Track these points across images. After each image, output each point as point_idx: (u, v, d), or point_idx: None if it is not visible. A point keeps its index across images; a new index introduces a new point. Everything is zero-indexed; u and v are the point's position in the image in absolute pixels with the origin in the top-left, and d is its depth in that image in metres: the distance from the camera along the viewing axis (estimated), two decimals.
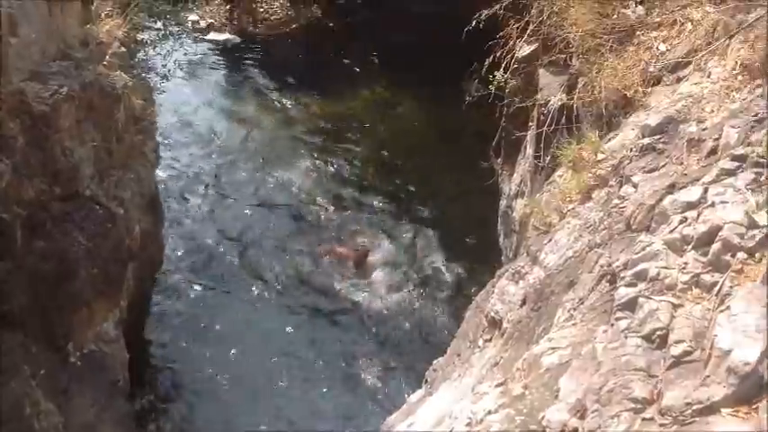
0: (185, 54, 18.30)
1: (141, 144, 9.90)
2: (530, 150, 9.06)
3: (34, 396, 7.06)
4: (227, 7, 20.19)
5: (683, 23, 6.20)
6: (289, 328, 12.23)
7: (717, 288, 2.73)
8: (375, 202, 14.96)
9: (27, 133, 7.61)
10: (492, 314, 5.32)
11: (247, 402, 11.05)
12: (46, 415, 7.15)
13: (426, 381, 7.38)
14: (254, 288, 12.84)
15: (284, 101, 17.78)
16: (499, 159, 10.95)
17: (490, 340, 5.32)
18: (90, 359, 8.00)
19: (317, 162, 15.94)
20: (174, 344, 11.85)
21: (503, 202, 10.71)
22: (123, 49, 9.94)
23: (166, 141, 14.58)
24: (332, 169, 15.82)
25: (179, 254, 13.20)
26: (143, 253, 10.05)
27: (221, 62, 19.05)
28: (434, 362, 7.63)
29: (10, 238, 7.25)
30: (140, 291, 10.54)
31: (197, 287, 12.74)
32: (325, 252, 13.26)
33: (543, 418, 2.80)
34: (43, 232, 7.62)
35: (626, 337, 2.78)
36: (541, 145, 8.14)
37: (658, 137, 4.36)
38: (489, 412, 3.41)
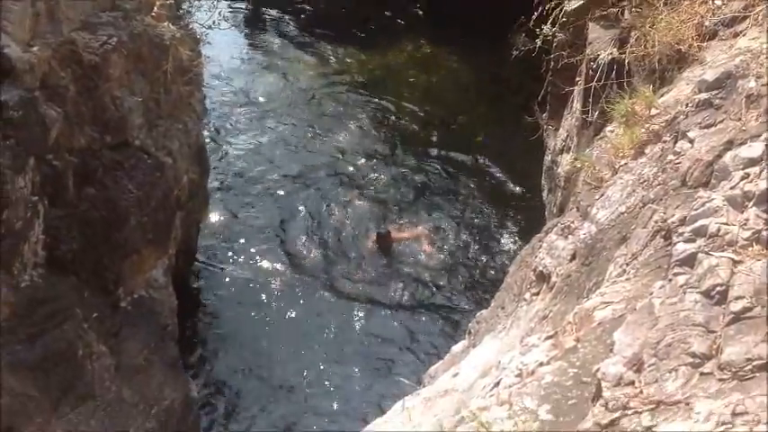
0: (230, 6, 18.29)
1: (188, 95, 9.98)
2: (577, 105, 8.96)
3: (87, 338, 7.26)
4: None
5: None
6: (328, 291, 12.35)
7: None
8: (417, 158, 14.94)
9: (78, 83, 7.72)
10: (540, 268, 5.33)
11: (286, 354, 11.25)
12: (98, 357, 7.36)
13: (469, 332, 7.43)
14: (294, 243, 12.95)
15: (327, 54, 17.74)
16: (544, 114, 10.85)
17: (538, 294, 5.34)
18: (140, 304, 8.19)
19: (359, 117, 15.93)
20: (218, 295, 12.08)
21: (547, 158, 10.63)
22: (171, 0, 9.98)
23: (210, 93, 14.66)
24: (373, 124, 15.80)
25: (221, 207, 13.36)
26: (190, 203, 10.20)
27: (265, 15, 19.03)
28: (478, 314, 7.68)
29: (62, 186, 7.40)
30: (187, 240, 10.71)
31: (238, 241, 12.90)
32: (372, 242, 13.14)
33: (598, 370, 2.82)
34: (94, 180, 7.76)
35: (684, 293, 2.78)
36: (589, 100, 8.05)
37: (716, 92, 4.29)
38: (541, 364, 3.44)
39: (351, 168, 14.52)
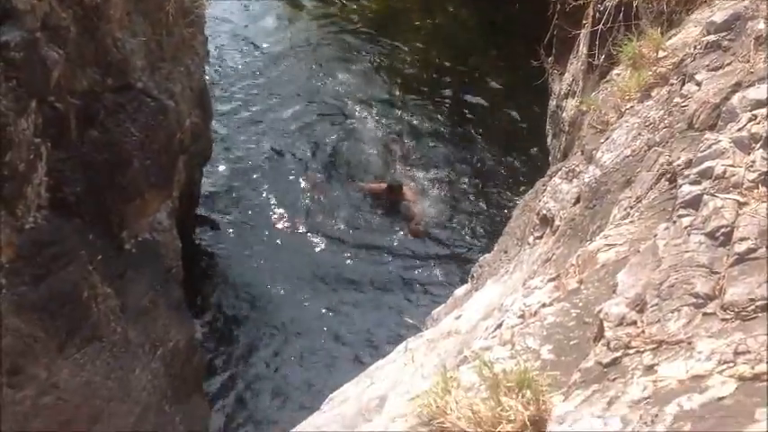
0: None
1: (191, 37, 9.89)
2: (583, 49, 8.87)
3: (92, 280, 7.30)
4: None
5: None
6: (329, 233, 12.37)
7: None
8: (420, 103, 14.84)
9: (78, 24, 7.63)
10: (544, 212, 5.33)
11: (291, 294, 11.34)
12: (104, 298, 7.41)
13: (472, 276, 7.48)
14: (296, 189, 12.94)
15: None
16: (550, 58, 10.75)
17: (541, 237, 5.35)
18: (144, 247, 8.22)
19: (362, 60, 15.78)
20: (222, 237, 12.12)
21: (552, 102, 10.57)
22: None
23: (211, 36, 14.51)
24: (376, 68, 15.65)
25: (223, 153, 13.32)
26: (193, 146, 10.17)
27: None
28: (481, 258, 7.72)
29: (65, 128, 7.36)
30: (191, 184, 10.72)
31: (240, 185, 12.89)
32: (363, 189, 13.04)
33: (600, 311, 2.83)
34: (96, 123, 7.72)
35: (689, 234, 2.78)
36: (596, 43, 7.97)
37: (724, 34, 4.23)
38: (543, 305, 3.46)
39: (355, 113, 14.44)
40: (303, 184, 12.91)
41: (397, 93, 14.98)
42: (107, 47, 7.97)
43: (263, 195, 12.74)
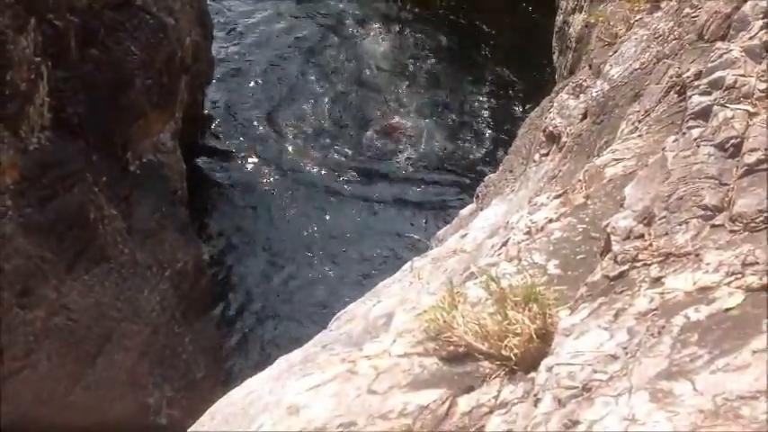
0: None
1: None
2: None
3: (98, 202, 7.32)
4: None
5: None
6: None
7: None
8: (422, 20, 14.57)
9: None
10: (550, 128, 5.27)
11: (297, 218, 11.35)
12: (110, 220, 7.44)
13: (477, 196, 7.45)
14: (296, 120, 12.80)
15: None
16: None
17: (547, 155, 5.30)
18: (149, 168, 8.21)
19: None
20: (226, 161, 12.07)
21: (559, 18, 10.34)
22: None
23: None
24: None
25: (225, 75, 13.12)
26: (194, 66, 10.05)
27: None
28: (486, 178, 7.68)
29: (64, 46, 7.28)
30: (193, 105, 10.63)
31: (243, 108, 12.76)
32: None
33: (607, 225, 2.81)
34: (97, 41, 7.63)
35: (698, 146, 2.73)
36: None
37: None
38: (550, 220, 3.43)
39: (356, 32, 14.20)
40: (306, 115, 12.73)
41: (397, 10, 14.71)
42: None
43: (266, 119, 12.62)
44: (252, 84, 13.23)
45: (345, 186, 11.89)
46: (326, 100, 13.01)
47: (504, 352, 2.55)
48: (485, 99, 13.19)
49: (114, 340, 7.34)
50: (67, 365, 6.90)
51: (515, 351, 2.52)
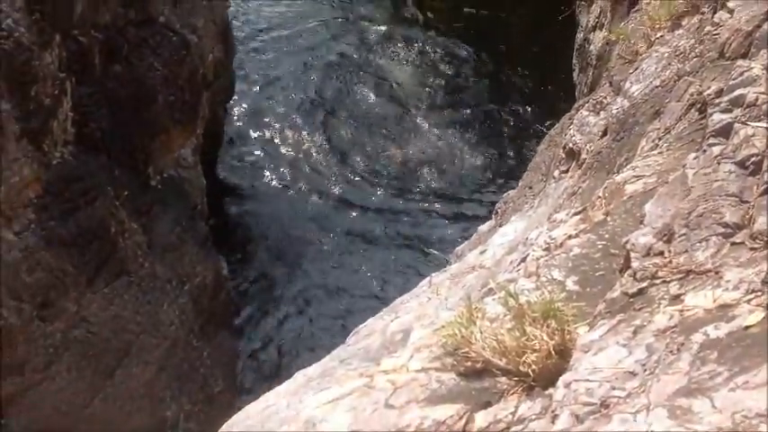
0: None
1: None
2: None
3: (119, 216, 7.38)
4: None
5: None
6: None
7: None
8: (442, 37, 14.63)
9: None
10: (570, 145, 5.27)
11: (317, 232, 11.38)
12: (130, 234, 7.49)
13: (496, 212, 7.44)
14: (318, 132, 12.87)
15: None
16: None
17: (567, 171, 5.29)
18: (170, 183, 8.27)
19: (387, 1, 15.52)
20: (247, 176, 12.13)
21: (579, 35, 10.36)
22: None
23: None
24: (401, 6, 15.40)
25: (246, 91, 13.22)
26: (216, 82, 10.13)
27: None
28: (504, 194, 7.67)
29: (89, 62, 7.36)
30: (215, 121, 10.71)
31: (264, 128, 12.83)
32: None
33: (627, 242, 2.80)
34: (120, 57, 7.72)
35: (718, 163, 2.73)
36: None
37: None
38: (569, 237, 3.43)
39: (379, 51, 14.27)
40: (326, 127, 12.79)
41: (419, 28, 14.77)
42: None
43: (286, 134, 12.70)
44: (272, 99, 13.32)
45: (365, 200, 11.92)
46: (346, 114, 13.07)
47: (522, 368, 2.54)
48: (505, 116, 13.19)
49: (133, 353, 7.37)
50: (86, 378, 6.94)
51: (533, 367, 2.51)
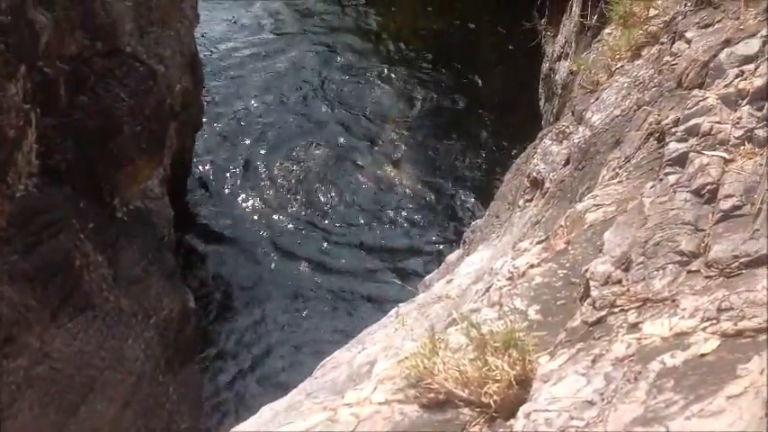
0: None
1: (180, 0, 9.77)
2: (576, 9, 8.79)
3: (84, 248, 7.29)
4: None
5: None
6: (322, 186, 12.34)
7: None
8: (413, 66, 14.73)
9: None
10: (534, 174, 5.31)
11: (286, 263, 11.33)
12: (95, 267, 7.40)
13: (464, 242, 7.46)
14: (288, 162, 12.87)
15: None
16: (543, 20, 10.67)
17: (531, 200, 5.33)
18: (136, 215, 8.20)
19: (356, 26, 15.62)
20: (213, 203, 12.07)
21: (545, 65, 10.50)
22: None
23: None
24: (369, 32, 15.51)
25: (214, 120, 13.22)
26: (184, 112, 10.11)
27: None
28: (472, 223, 7.70)
29: (54, 94, 7.32)
30: (182, 151, 10.67)
31: (232, 155, 12.80)
32: None
33: (587, 270, 2.82)
34: (86, 88, 7.67)
35: (675, 192, 2.76)
36: (588, 3, 7.89)
37: None
38: (531, 266, 3.44)
39: (347, 78, 14.33)
40: (296, 156, 12.79)
41: (390, 56, 14.87)
42: (95, 10, 7.90)
43: (256, 164, 12.67)
44: (241, 129, 13.30)
45: (333, 231, 11.88)
46: (315, 145, 13.07)
47: (483, 399, 2.54)
48: (472, 144, 13.27)
49: (97, 389, 7.25)
50: (50, 415, 6.81)
51: (495, 398, 2.51)
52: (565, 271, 3.26)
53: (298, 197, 12.29)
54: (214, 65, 14.28)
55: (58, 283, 7.00)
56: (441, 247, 11.48)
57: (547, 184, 4.97)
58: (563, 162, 4.89)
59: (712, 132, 2.88)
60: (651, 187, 2.95)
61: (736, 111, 2.90)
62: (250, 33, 15.24)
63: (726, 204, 2.58)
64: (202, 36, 13.82)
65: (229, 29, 15.33)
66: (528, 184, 5.50)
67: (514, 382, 2.55)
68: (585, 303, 2.72)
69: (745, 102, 2.89)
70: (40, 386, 6.77)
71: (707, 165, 2.75)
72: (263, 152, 12.89)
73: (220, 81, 14.06)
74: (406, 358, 2.97)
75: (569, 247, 3.41)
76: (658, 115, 3.69)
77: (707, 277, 2.43)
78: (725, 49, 3.31)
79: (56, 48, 7.37)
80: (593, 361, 2.37)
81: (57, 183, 7.30)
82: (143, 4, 8.75)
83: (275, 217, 11.99)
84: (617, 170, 3.82)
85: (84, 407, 7.11)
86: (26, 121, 6.94)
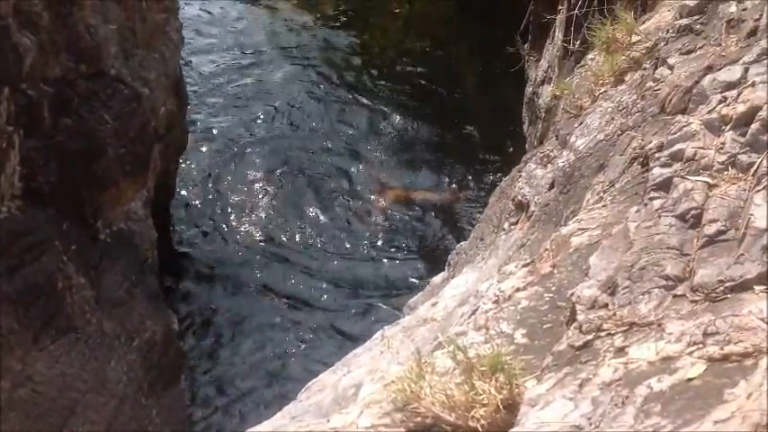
0: None
1: (165, 23, 9.81)
2: (559, 35, 8.88)
3: (66, 271, 7.25)
4: None
5: None
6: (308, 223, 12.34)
7: (754, 168, 2.71)
8: (396, 91, 14.79)
9: (51, 10, 7.57)
10: (519, 197, 5.34)
11: (270, 286, 11.29)
12: (78, 289, 7.36)
13: (449, 264, 7.48)
14: (272, 178, 12.87)
15: None
16: (526, 45, 10.77)
17: (516, 223, 5.35)
18: (119, 237, 8.17)
19: (339, 49, 15.68)
20: (198, 227, 12.04)
21: (529, 89, 10.59)
22: None
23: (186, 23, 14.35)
24: (353, 56, 15.58)
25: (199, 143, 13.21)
26: (168, 135, 10.10)
27: None
28: (457, 246, 7.72)
29: (38, 116, 7.31)
30: (166, 173, 10.65)
31: (216, 175, 12.79)
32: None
33: (572, 294, 2.84)
34: (70, 110, 7.66)
35: (659, 217, 2.79)
36: (571, 28, 7.98)
37: (696, 17, 4.25)
38: (517, 289, 3.46)
39: (330, 101, 14.36)
40: (281, 184, 12.76)
41: (372, 80, 14.93)
42: (80, 33, 7.90)
43: (239, 188, 12.65)
44: (226, 152, 13.28)
45: (317, 256, 11.86)
46: (300, 169, 13.07)
47: (471, 423, 2.54)
48: (457, 167, 13.32)
49: (79, 412, 7.18)
50: None
51: (482, 422, 2.51)
52: (551, 294, 3.27)
53: (283, 221, 12.26)
54: (198, 89, 14.28)
55: (40, 305, 6.95)
56: (426, 268, 11.48)
57: (532, 208, 5.00)
58: (548, 186, 4.93)
59: (696, 158, 2.91)
60: (636, 212, 2.97)
61: (719, 136, 2.94)
62: (230, 57, 15.25)
63: (710, 229, 2.61)
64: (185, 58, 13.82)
65: (209, 49, 15.34)
66: (513, 207, 5.53)
67: (502, 407, 2.55)
68: (572, 327, 2.73)
69: (728, 128, 2.92)
70: (22, 409, 6.70)
71: (691, 190, 2.78)
72: (247, 176, 12.88)
73: (203, 105, 14.05)
74: (393, 382, 2.96)
75: (555, 271, 3.43)
76: (642, 140, 3.73)
77: (692, 302, 2.45)
78: (707, 76, 3.35)
79: (40, 70, 7.37)
80: (581, 385, 2.37)
81: (39, 205, 7.27)
82: (128, 27, 8.76)
83: (259, 240, 11.97)
84: (601, 194, 3.85)
85: (66, 430, 7.04)
86: (9, 143, 6.92)
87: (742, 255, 2.43)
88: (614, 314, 2.60)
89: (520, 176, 5.78)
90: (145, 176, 8.84)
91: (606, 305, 2.67)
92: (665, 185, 2.93)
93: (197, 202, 12.45)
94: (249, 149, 13.32)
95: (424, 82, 14.97)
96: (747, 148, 2.81)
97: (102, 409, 7.48)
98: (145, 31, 9.20)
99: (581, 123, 4.85)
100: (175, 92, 10.56)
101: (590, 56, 5.93)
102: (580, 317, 2.70)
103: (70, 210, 7.58)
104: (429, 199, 12.81)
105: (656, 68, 4.29)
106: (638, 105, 4.23)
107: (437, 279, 7.39)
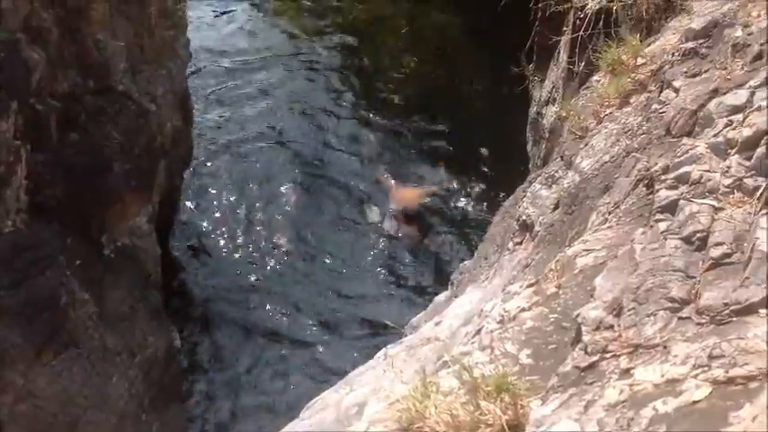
0: None
1: (172, 40, 9.86)
2: (563, 56, 8.91)
3: (70, 285, 7.25)
4: None
5: None
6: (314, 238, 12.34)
7: (759, 192, 2.73)
8: (401, 109, 14.82)
9: (60, 25, 7.61)
10: (523, 218, 5.35)
11: (272, 302, 11.28)
12: (81, 304, 7.35)
13: (452, 283, 7.48)
14: (275, 192, 12.88)
15: None
16: (531, 65, 10.80)
17: (521, 243, 5.36)
18: (123, 252, 8.17)
19: (346, 66, 15.73)
20: (203, 244, 12.04)
21: (533, 109, 10.61)
22: None
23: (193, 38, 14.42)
24: (359, 74, 15.61)
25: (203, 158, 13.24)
26: (174, 150, 10.13)
27: None
28: (461, 265, 7.73)
29: (45, 130, 7.33)
30: (171, 189, 10.67)
31: (220, 191, 12.81)
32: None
33: (578, 315, 2.84)
34: (77, 126, 7.69)
35: (665, 239, 2.80)
36: (576, 50, 8.01)
37: (702, 41, 4.28)
38: (522, 310, 3.46)
39: (334, 118, 14.39)
40: (285, 198, 12.77)
41: (378, 98, 14.97)
42: (88, 49, 7.94)
43: (241, 203, 12.66)
44: (230, 168, 13.29)
45: (320, 272, 11.86)
46: (301, 182, 13.08)
47: None
48: (460, 186, 13.33)
49: (80, 428, 7.15)
50: None
51: None
52: (556, 315, 3.28)
53: (285, 238, 12.25)
54: (204, 105, 14.33)
55: (43, 320, 6.94)
56: (429, 286, 11.45)
57: (536, 228, 5.01)
58: (552, 206, 4.94)
59: (702, 180, 2.93)
60: (642, 234, 2.98)
61: (725, 160, 2.96)
62: (230, 75, 15.31)
63: (716, 252, 2.62)
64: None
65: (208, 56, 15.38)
66: (517, 227, 5.54)
67: (507, 427, 2.56)
68: (577, 348, 2.74)
69: (734, 151, 2.94)
70: (24, 424, 6.68)
71: (697, 212, 2.80)
72: (252, 192, 12.87)
73: (209, 122, 14.09)
74: (398, 401, 2.97)
75: (560, 292, 3.44)
76: (647, 162, 3.74)
77: (698, 324, 2.46)
78: (714, 99, 3.37)
79: (48, 85, 7.41)
80: (586, 407, 2.38)
81: (45, 219, 7.28)
82: (136, 43, 8.81)
83: (261, 255, 11.96)
84: (606, 215, 3.86)
85: None
86: (16, 157, 6.95)
87: (747, 278, 2.44)
88: (620, 336, 2.61)
89: (524, 197, 5.79)
90: (150, 192, 8.86)
91: (612, 326, 2.68)
92: (671, 208, 2.95)
93: (202, 214, 12.46)
94: (254, 163, 13.34)
95: (427, 101, 15.01)
96: (753, 172, 2.82)
97: (103, 426, 7.45)
98: (153, 47, 9.24)
99: (586, 144, 4.87)
100: (181, 107, 10.60)
101: (595, 77, 5.95)
102: (585, 338, 2.70)
103: (75, 224, 7.59)
104: (431, 218, 12.81)
105: (661, 91, 4.31)
106: (644, 127, 4.25)
107: (440, 298, 7.39)
